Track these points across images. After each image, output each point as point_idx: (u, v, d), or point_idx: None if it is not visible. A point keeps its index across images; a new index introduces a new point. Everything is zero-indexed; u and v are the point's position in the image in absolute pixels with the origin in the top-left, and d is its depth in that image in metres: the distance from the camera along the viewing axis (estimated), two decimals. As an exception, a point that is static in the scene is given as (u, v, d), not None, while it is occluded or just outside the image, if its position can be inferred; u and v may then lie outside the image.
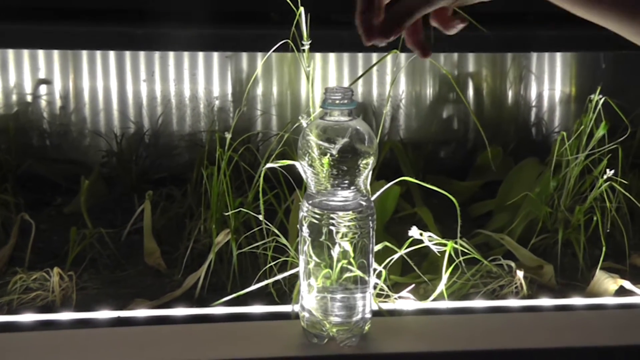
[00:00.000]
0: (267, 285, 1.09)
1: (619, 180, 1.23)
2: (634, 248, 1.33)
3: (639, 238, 1.39)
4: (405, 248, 1.04)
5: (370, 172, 0.89)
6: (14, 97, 1.72)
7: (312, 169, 0.88)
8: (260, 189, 1.06)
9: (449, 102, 1.79)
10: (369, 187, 0.90)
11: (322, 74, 1.71)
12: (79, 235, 1.28)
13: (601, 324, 1.01)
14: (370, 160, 0.87)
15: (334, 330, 0.91)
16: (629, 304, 1.13)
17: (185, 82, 1.73)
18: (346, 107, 0.87)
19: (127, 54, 1.70)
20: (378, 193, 1.02)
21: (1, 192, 1.46)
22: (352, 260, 0.89)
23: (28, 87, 1.72)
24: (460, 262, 1.07)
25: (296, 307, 1.00)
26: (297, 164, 0.92)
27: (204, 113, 1.73)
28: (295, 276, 1.05)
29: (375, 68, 1.70)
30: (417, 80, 1.77)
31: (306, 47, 1.01)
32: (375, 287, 1.03)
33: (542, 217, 1.32)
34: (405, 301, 1.08)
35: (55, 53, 1.70)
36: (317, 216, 0.89)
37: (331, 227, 0.88)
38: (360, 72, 1.70)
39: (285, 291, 1.14)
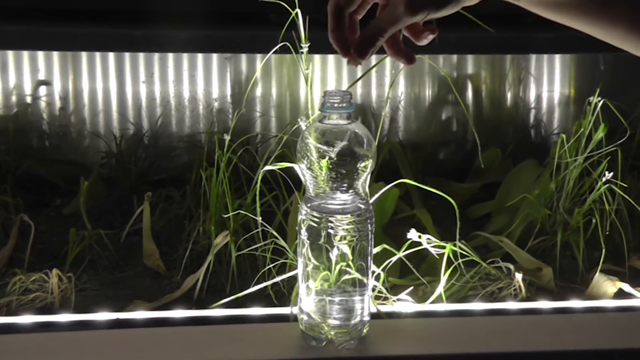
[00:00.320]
0: (265, 287, 1.09)
1: (618, 183, 1.23)
2: (633, 250, 1.33)
3: (638, 240, 1.39)
4: (404, 250, 1.04)
5: (369, 175, 0.89)
6: (14, 98, 1.71)
7: (310, 172, 0.88)
8: (257, 191, 1.06)
9: (448, 103, 1.79)
10: (367, 190, 0.90)
11: (321, 76, 1.71)
12: (78, 236, 1.28)
13: (600, 326, 1.01)
14: (369, 164, 0.87)
15: (333, 332, 0.91)
16: (628, 307, 1.13)
17: (185, 83, 1.73)
18: (345, 111, 0.87)
19: (127, 55, 1.70)
20: (377, 195, 1.01)
21: (0, 193, 1.46)
22: (350, 262, 0.89)
23: (28, 88, 1.72)
24: (459, 264, 1.07)
25: (295, 310, 1.00)
26: (295, 166, 0.92)
27: (203, 114, 1.73)
28: (294, 278, 1.05)
29: (374, 70, 1.70)
30: (416, 81, 1.77)
31: (305, 50, 1.01)
32: (373, 290, 1.03)
33: (541, 219, 1.32)
34: (404, 303, 1.07)
35: (55, 54, 1.70)
36: (316, 219, 0.89)
37: (330, 230, 0.88)
38: (359, 74, 1.70)
39: (284, 293, 1.14)
